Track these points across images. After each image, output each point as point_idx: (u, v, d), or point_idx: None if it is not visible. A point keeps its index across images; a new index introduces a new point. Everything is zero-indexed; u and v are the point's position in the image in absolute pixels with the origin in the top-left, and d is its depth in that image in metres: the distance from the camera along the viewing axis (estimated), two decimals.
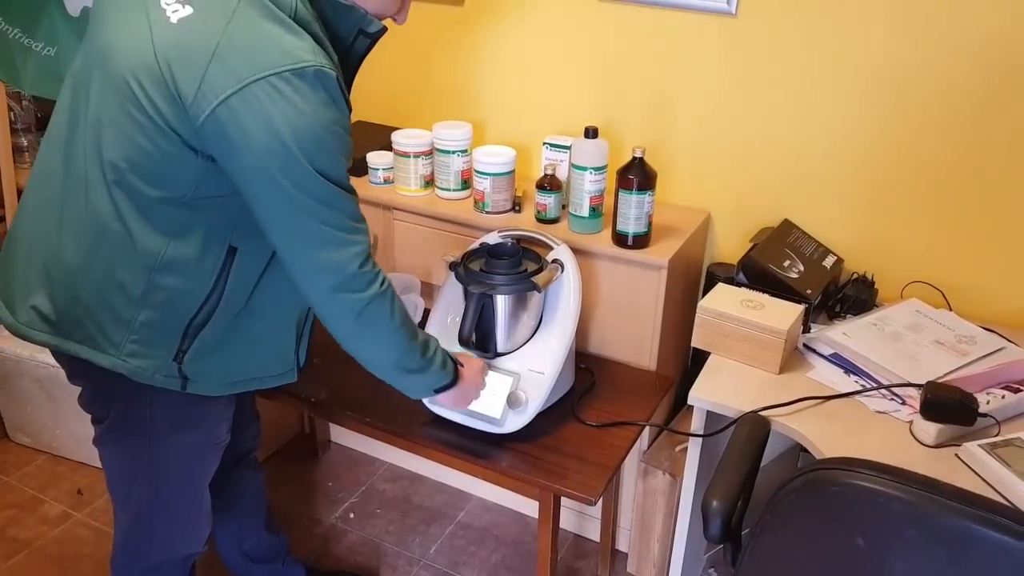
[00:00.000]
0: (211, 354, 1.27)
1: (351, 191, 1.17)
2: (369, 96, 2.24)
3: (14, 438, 2.42)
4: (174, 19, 1.06)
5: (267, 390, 1.67)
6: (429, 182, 1.96)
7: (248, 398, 1.64)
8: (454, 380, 1.40)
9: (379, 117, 2.25)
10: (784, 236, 1.77)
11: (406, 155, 1.92)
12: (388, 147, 1.97)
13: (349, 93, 1.24)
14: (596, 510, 1.98)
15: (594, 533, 2.06)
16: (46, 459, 2.35)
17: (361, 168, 2.02)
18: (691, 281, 1.93)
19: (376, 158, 1.98)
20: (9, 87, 2.19)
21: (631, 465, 1.91)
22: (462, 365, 1.44)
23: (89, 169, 1.15)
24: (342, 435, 2.41)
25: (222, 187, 1.13)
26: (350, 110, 1.16)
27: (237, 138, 1.06)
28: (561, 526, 2.10)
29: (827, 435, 1.37)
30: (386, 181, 1.99)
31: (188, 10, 1.06)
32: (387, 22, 1.24)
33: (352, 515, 2.17)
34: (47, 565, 2.02)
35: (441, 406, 1.55)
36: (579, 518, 2.11)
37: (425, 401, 1.58)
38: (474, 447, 1.55)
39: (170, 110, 1.07)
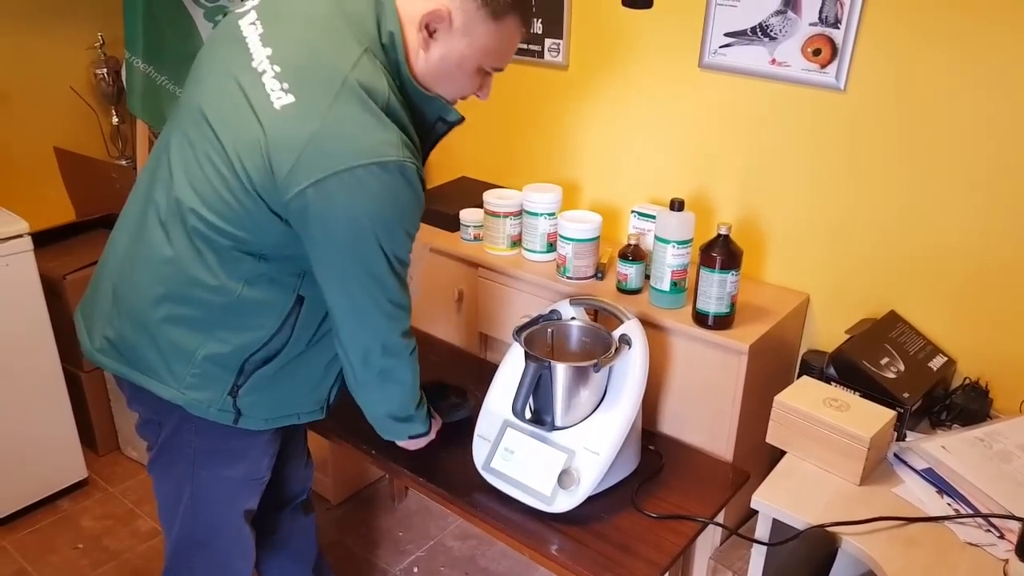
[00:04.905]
0: (263, 390, 1.33)
1: (401, 278, 1.27)
2: (474, 152, 2.27)
3: (125, 451, 2.59)
4: (277, 105, 1.14)
5: (336, 439, 1.71)
6: (517, 242, 1.94)
7: (300, 441, 1.66)
8: (427, 430, 1.52)
9: (481, 174, 2.27)
10: (887, 330, 1.61)
11: (496, 215, 1.91)
12: (481, 205, 1.97)
13: (424, 166, 1.29)
14: None
15: None
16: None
17: (453, 224, 2.04)
18: (782, 368, 1.79)
19: (468, 215, 1.99)
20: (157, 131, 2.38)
21: (702, 559, 1.78)
22: (435, 418, 1.57)
23: (167, 213, 1.23)
24: None
25: (299, 247, 1.21)
26: (424, 189, 1.23)
27: (319, 217, 1.15)
28: None
29: (903, 565, 1.21)
30: (476, 238, 2.00)
31: (291, 98, 1.14)
32: (472, 99, 1.32)
33: (416, 570, 2.14)
34: None
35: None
36: None
37: (480, 470, 1.55)
38: (522, 523, 1.49)
39: (261, 179, 1.15)
